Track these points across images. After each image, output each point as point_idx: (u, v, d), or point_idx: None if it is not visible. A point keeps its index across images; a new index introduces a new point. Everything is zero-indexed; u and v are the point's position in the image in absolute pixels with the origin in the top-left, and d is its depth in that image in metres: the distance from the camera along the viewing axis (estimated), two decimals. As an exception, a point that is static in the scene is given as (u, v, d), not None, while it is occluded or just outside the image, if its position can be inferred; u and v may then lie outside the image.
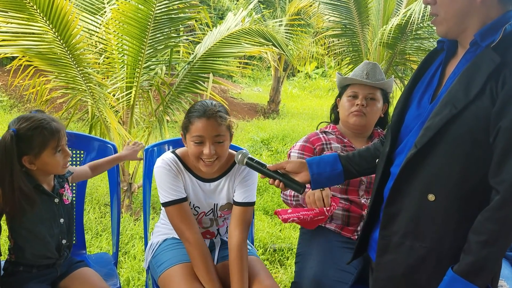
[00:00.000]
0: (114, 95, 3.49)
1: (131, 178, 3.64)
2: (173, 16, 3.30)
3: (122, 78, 3.43)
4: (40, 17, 2.73)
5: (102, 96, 3.25)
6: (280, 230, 3.47)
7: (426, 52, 5.35)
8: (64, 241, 1.60)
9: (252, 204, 1.72)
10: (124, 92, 3.44)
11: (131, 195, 3.65)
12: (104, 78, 3.47)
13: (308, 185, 1.45)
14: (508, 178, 1.02)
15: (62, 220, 1.59)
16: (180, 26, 3.69)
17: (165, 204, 1.64)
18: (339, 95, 2.02)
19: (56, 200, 1.58)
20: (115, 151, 2.00)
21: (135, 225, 3.34)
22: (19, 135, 1.43)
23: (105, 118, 3.31)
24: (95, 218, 3.37)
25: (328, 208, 1.57)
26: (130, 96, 3.43)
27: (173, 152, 1.71)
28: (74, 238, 1.93)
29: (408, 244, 1.17)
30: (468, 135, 1.08)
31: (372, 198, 1.34)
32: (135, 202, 3.81)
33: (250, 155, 1.52)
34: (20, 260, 1.54)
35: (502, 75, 1.04)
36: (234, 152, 1.68)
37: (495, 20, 1.11)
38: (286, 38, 5.01)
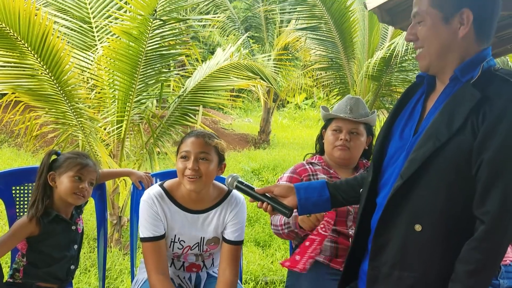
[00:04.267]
0: (105, 129, 3.52)
1: (121, 211, 3.61)
2: (164, 52, 3.38)
3: (113, 112, 3.47)
4: (32, 55, 2.78)
5: (93, 130, 3.28)
6: (272, 262, 3.45)
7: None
8: (72, 266, 1.76)
9: (242, 242, 1.75)
10: (115, 125, 3.47)
11: (121, 228, 3.62)
12: (95, 113, 3.51)
13: (295, 210, 1.47)
14: (492, 209, 1.06)
15: (75, 247, 1.76)
16: (171, 61, 3.78)
17: (142, 239, 1.67)
18: (324, 127, 2.07)
19: (73, 228, 1.75)
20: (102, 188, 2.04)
21: (124, 259, 3.30)
22: (58, 158, 1.72)
23: (95, 152, 3.33)
24: (84, 253, 3.32)
25: (322, 226, 1.58)
26: (121, 130, 3.46)
27: (161, 185, 1.72)
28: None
29: (396, 274, 1.19)
30: (452, 167, 1.12)
31: (356, 228, 1.36)
32: (124, 236, 3.77)
33: (240, 179, 1.54)
34: (29, 280, 1.67)
35: (482, 110, 1.08)
36: (224, 186, 1.71)
37: (473, 56, 1.17)
38: (274, 71, 5.14)
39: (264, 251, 3.70)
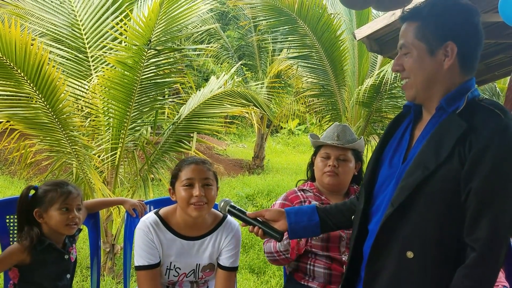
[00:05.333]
0: (99, 156, 3.53)
1: (114, 239, 3.59)
2: (158, 80, 3.44)
3: (107, 139, 3.49)
4: (27, 84, 2.82)
5: (87, 157, 3.30)
6: (266, 290, 3.42)
7: (401, 110, 5.61)
8: None
9: (237, 268, 1.76)
10: (109, 153, 3.49)
11: (114, 256, 3.59)
12: (89, 140, 3.53)
13: (286, 234, 1.50)
14: (483, 236, 1.08)
15: (68, 276, 1.73)
16: (166, 89, 3.84)
17: (137, 268, 1.67)
18: (314, 154, 2.11)
19: (66, 257, 1.72)
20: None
21: (116, 288, 3.26)
22: (38, 192, 1.68)
23: (89, 179, 3.33)
24: (76, 281, 3.28)
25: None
26: (115, 157, 3.48)
27: (156, 213, 1.74)
28: None
29: None
30: (441, 195, 1.15)
31: (350, 255, 1.38)
32: (117, 264, 3.73)
33: (232, 203, 1.57)
34: None
35: (469, 139, 1.12)
36: (218, 212, 1.73)
37: (458, 87, 1.21)
38: (267, 98, 5.23)
39: (259, 278, 3.67)
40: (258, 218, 1.52)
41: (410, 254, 1.17)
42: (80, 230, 1.80)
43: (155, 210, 1.78)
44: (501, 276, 1.92)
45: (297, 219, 1.49)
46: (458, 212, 1.14)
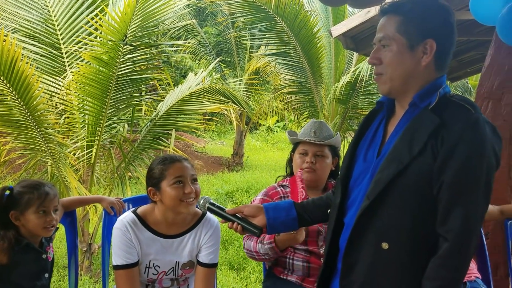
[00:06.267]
0: (74, 154, 3.47)
1: (91, 238, 3.54)
2: (135, 77, 3.41)
3: (82, 137, 3.44)
4: (0, 81, 2.75)
5: (62, 155, 3.24)
6: (246, 285, 3.44)
7: (376, 106, 5.73)
8: None
9: (217, 264, 1.77)
10: (85, 150, 3.44)
11: (91, 256, 3.54)
12: (65, 138, 3.47)
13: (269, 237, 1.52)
14: (455, 227, 1.12)
15: (46, 275, 1.70)
16: (143, 86, 3.80)
17: (115, 267, 1.66)
18: (293, 150, 2.14)
19: (44, 256, 1.69)
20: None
21: (94, 287, 3.22)
22: (13, 193, 1.62)
23: (64, 178, 3.28)
24: (53, 281, 3.22)
25: None
26: (91, 155, 3.43)
27: (134, 211, 1.73)
28: None
29: None
30: (414, 187, 1.18)
31: (327, 248, 1.41)
32: (95, 263, 3.68)
33: (211, 201, 1.59)
34: None
35: (441, 134, 1.16)
36: (198, 209, 1.74)
37: (430, 83, 1.24)
38: (246, 95, 5.24)
39: (239, 274, 3.69)
40: (237, 214, 1.54)
41: (385, 245, 1.20)
42: (57, 228, 1.77)
43: (133, 209, 1.76)
44: (474, 267, 2.00)
45: (275, 214, 1.51)
46: (431, 204, 1.17)
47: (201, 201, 1.59)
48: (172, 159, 1.68)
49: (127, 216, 1.70)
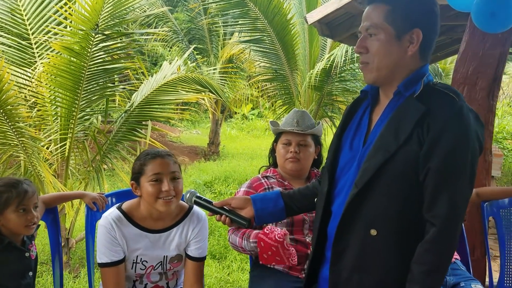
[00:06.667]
0: (47, 148, 3.37)
1: (68, 233, 3.47)
2: (107, 67, 3.31)
3: (55, 130, 3.34)
4: (-33, 73, 2.63)
5: (35, 150, 3.14)
6: (229, 274, 3.46)
7: (350, 93, 5.79)
8: None
9: (205, 258, 1.77)
10: (58, 144, 3.34)
11: (69, 251, 3.48)
12: (37, 131, 3.36)
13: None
14: (442, 212, 1.16)
15: (30, 274, 1.67)
16: (116, 76, 3.70)
17: (100, 265, 1.65)
18: (275, 140, 2.14)
19: (27, 255, 1.65)
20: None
21: (74, 283, 3.17)
22: None
23: (38, 172, 3.18)
24: (30, 279, 3.14)
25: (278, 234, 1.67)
26: (65, 148, 3.34)
27: (119, 207, 1.70)
28: None
29: (356, 278, 1.26)
30: (402, 175, 1.21)
31: (315, 236, 1.43)
32: (73, 258, 3.62)
33: (198, 194, 1.58)
34: None
35: (426, 122, 1.18)
36: (184, 203, 1.72)
37: (414, 72, 1.26)
38: (221, 83, 5.18)
39: (220, 263, 3.70)
40: (224, 207, 1.53)
41: (373, 232, 1.22)
42: (38, 226, 1.72)
43: (117, 204, 1.73)
44: (454, 251, 2.07)
45: (263, 205, 1.52)
46: (418, 190, 1.20)
47: (188, 195, 1.57)
48: (154, 154, 1.64)
49: (112, 212, 1.67)
